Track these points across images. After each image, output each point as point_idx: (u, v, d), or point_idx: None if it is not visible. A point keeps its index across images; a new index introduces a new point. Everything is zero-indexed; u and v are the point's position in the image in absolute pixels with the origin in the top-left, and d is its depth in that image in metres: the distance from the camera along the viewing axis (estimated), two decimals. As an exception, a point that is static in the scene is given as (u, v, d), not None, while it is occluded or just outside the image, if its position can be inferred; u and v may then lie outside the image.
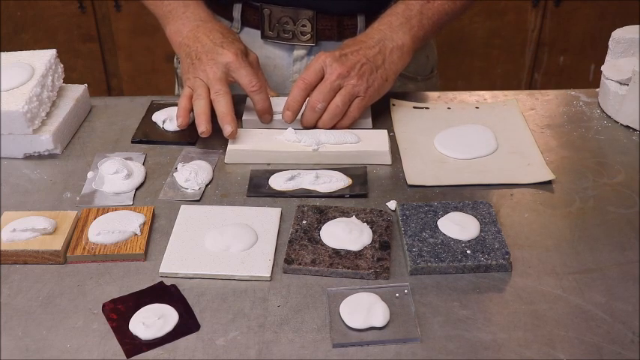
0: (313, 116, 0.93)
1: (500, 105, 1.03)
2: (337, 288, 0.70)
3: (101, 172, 0.87)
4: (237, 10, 1.09)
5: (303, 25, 1.06)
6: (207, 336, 0.65)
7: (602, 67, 1.01)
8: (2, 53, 0.98)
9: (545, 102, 1.04)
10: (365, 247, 0.74)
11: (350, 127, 0.95)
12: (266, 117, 0.95)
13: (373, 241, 0.75)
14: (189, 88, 0.94)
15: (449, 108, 1.02)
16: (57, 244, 0.74)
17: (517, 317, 0.67)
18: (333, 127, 0.94)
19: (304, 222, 0.78)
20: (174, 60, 1.21)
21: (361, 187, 0.85)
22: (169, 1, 1.02)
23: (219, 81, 0.91)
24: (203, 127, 0.89)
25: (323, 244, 0.75)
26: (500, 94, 1.06)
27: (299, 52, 1.09)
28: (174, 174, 0.87)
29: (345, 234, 0.75)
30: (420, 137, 0.95)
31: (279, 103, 0.98)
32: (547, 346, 0.64)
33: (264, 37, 1.08)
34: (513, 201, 0.83)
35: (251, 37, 1.09)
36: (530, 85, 2.47)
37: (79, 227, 0.78)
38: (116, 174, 0.85)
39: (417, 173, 0.88)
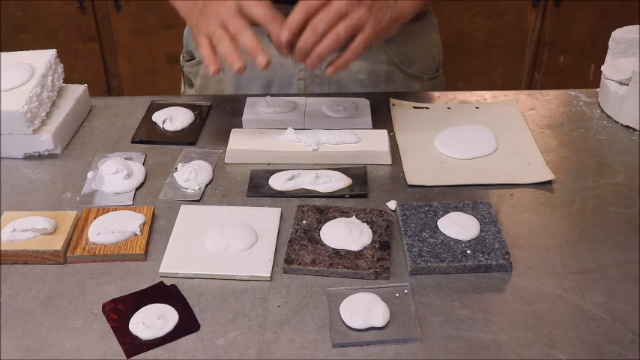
0: (311, 39, 0.86)
1: (500, 105, 1.03)
2: (337, 288, 0.70)
3: (101, 172, 0.87)
4: None
5: None
6: (207, 336, 0.65)
7: (602, 67, 1.01)
8: (2, 53, 0.98)
9: (545, 102, 1.04)
10: (365, 247, 0.74)
11: (350, 63, 0.89)
12: (282, 50, 0.89)
13: (373, 241, 0.75)
14: (205, 38, 0.88)
15: (449, 108, 1.02)
16: (57, 244, 0.74)
17: (517, 317, 0.67)
18: (335, 68, 0.89)
19: (304, 222, 0.78)
20: (180, 58, 1.21)
21: (361, 187, 0.85)
22: None
23: (236, 16, 0.86)
24: (238, 63, 0.84)
25: (323, 244, 0.75)
26: (500, 94, 1.06)
27: None
28: (174, 174, 0.87)
29: (345, 234, 0.75)
30: (420, 137, 0.95)
31: (279, 103, 0.98)
32: (547, 346, 0.64)
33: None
34: (513, 201, 0.83)
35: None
36: (530, 85, 2.47)
37: (79, 227, 0.78)
38: (116, 174, 0.85)
39: (417, 173, 0.88)
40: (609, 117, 0.99)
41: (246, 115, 0.98)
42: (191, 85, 1.20)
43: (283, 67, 1.10)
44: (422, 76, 1.15)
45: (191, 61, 1.17)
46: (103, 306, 0.69)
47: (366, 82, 1.10)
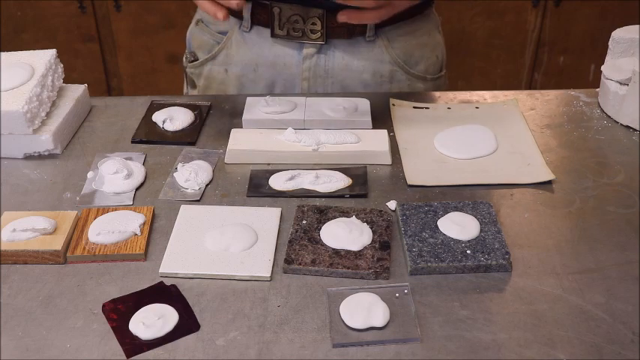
0: None
1: (500, 105, 1.03)
2: (337, 288, 0.70)
3: (101, 172, 0.87)
4: (246, 9, 1.08)
5: (313, 24, 1.05)
6: (207, 336, 0.65)
7: (602, 67, 1.01)
8: (2, 53, 0.98)
9: (545, 102, 1.04)
10: (365, 247, 0.74)
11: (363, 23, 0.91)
12: None
13: (373, 241, 0.75)
14: None
15: (449, 108, 1.02)
16: (57, 244, 0.74)
17: (517, 317, 0.67)
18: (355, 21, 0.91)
19: (304, 222, 0.78)
20: (183, 59, 1.21)
21: (361, 187, 0.85)
22: None
23: None
24: None
25: (323, 244, 0.75)
26: (500, 94, 1.06)
27: (309, 51, 1.08)
28: (174, 174, 0.87)
29: (345, 234, 0.75)
30: (420, 137, 0.95)
31: (279, 103, 0.98)
32: (547, 346, 0.64)
33: (273, 35, 1.08)
34: (513, 201, 0.83)
35: (261, 35, 1.09)
36: (530, 85, 2.47)
37: (79, 227, 0.78)
38: (116, 174, 0.85)
39: (417, 173, 0.88)
40: (609, 117, 0.99)
41: (246, 115, 0.98)
42: (194, 86, 1.20)
43: (287, 67, 1.10)
44: (425, 77, 1.15)
45: (194, 62, 1.18)
46: (103, 306, 0.69)
47: (370, 82, 1.11)
